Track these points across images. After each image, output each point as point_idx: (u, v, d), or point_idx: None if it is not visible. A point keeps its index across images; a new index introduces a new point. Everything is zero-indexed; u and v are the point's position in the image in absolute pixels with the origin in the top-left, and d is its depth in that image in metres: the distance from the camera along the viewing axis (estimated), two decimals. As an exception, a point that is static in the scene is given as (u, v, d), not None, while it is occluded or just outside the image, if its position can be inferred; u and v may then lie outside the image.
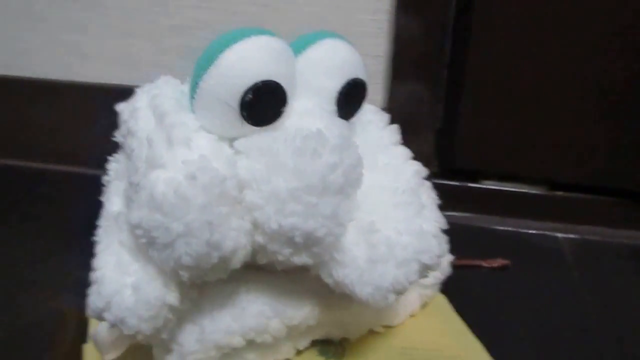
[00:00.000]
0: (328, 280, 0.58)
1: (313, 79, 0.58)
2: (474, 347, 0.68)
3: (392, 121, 0.85)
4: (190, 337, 0.58)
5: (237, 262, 0.53)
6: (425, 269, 0.57)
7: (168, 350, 0.60)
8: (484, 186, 0.94)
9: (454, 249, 0.82)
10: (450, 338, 0.69)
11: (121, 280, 0.54)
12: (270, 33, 0.55)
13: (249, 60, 0.52)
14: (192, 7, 0.88)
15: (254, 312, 0.60)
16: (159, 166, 0.51)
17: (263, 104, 0.53)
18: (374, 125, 0.65)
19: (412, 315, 0.72)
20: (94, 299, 0.54)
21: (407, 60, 0.87)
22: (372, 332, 0.70)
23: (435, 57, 0.86)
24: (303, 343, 0.66)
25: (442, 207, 0.93)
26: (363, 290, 0.55)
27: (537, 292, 0.79)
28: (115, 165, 0.65)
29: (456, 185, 0.94)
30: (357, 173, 0.54)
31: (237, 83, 0.52)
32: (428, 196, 0.61)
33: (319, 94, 0.58)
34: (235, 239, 0.52)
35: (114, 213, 0.59)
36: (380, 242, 0.55)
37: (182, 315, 0.59)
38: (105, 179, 0.65)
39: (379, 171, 0.61)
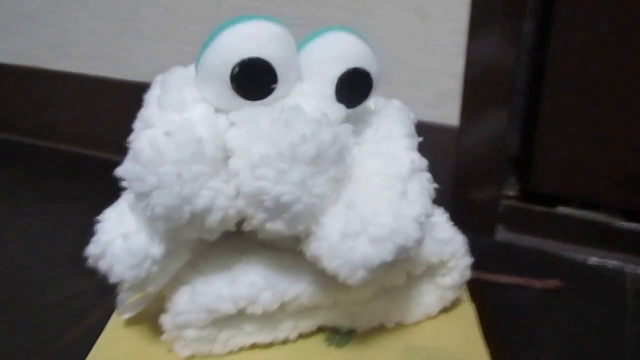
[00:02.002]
0: (307, 254, 0.62)
1: (315, 65, 0.63)
2: (477, 352, 0.69)
3: (467, 137, 0.89)
4: (182, 297, 0.65)
5: (213, 221, 0.59)
6: (401, 251, 0.59)
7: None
8: (559, 212, 0.94)
9: (516, 269, 0.84)
10: (457, 342, 0.71)
11: (116, 230, 0.62)
12: (273, 19, 0.62)
13: (241, 39, 0.59)
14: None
15: (246, 282, 0.65)
16: (149, 126, 0.59)
17: (250, 78, 0.59)
18: (390, 119, 0.68)
19: (430, 318, 0.74)
20: (92, 246, 0.62)
21: (480, 81, 0.90)
22: (382, 327, 0.72)
23: (507, 76, 0.88)
24: (305, 325, 0.69)
25: (517, 230, 0.95)
26: (331, 262, 0.59)
27: (580, 319, 0.78)
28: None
29: (530, 208, 0.95)
30: (334, 149, 0.58)
31: (228, 58, 0.59)
32: (420, 185, 0.63)
33: (319, 79, 0.63)
34: (209, 197, 0.57)
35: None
36: (354, 218, 0.59)
37: (178, 275, 0.66)
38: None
39: (377, 158, 0.65)
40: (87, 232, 0.63)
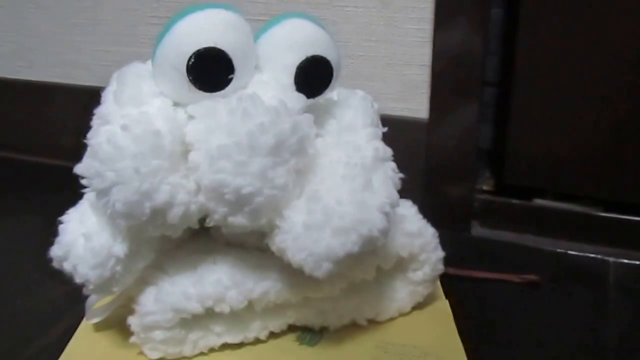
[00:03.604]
0: (272, 248, 0.63)
1: (274, 54, 0.65)
2: (453, 347, 0.70)
3: (437, 130, 0.90)
4: (148, 298, 0.66)
5: (174, 217, 0.60)
6: (367, 242, 0.60)
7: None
8: (536, 205, 0.95)
9: (494, 265, 0.85)
10: (432, 337, 0.72)
11: (79, 230, 0.63)
12: (228, 7, 0.63)
13: (196, 29, 0.60)
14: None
15: (212, 280, 0.66)
16: (107, 122, 0.60)
17: (207, 69, 0.60)
18: (353, 108, 0.69)
19: (404, 314, 0.75)
20: (56, 248, 0.63)
21: (448, 71, 0.91)
22: (355, 325, 0.73)
23: (476, 66, 0.90)
24: (275, 324, 0.71)
25: (494, 224, 0.96)
26: (296, 255, 0.60)
27: (561, 312, 0.80)
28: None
29: (507, 202, 0.96)
30: (294, 139, 0.60)
31: (183, 49, 0.60)
32: (385, 174, 0.64)
33: (277, 68, 0.64)
34: (169, 192, 0.58)
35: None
36: (318, 209, 0.60)
37: (144, 276, 0.67)
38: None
39: (340, 148, 0.66)
40: (54, 242, 0.64)
